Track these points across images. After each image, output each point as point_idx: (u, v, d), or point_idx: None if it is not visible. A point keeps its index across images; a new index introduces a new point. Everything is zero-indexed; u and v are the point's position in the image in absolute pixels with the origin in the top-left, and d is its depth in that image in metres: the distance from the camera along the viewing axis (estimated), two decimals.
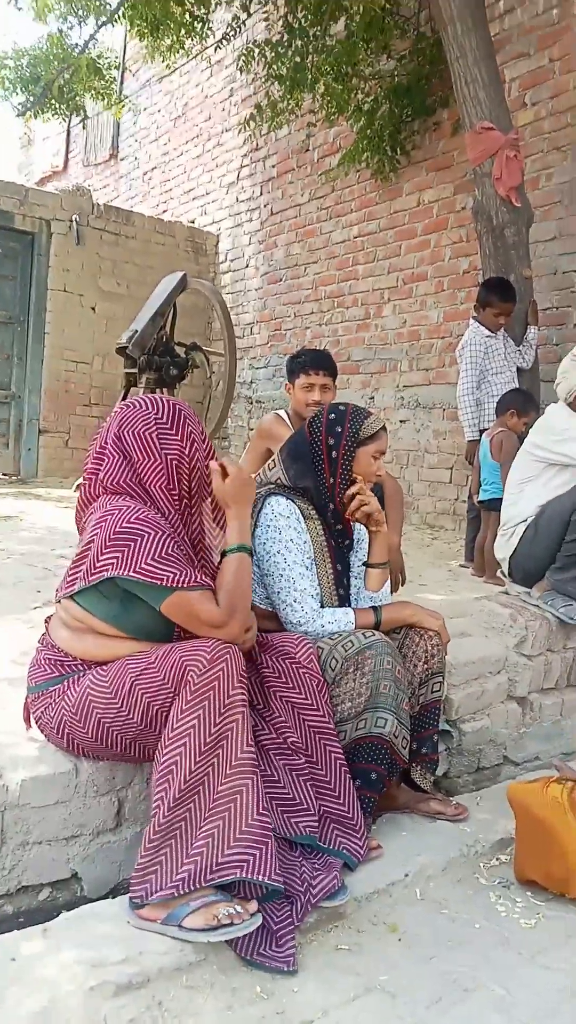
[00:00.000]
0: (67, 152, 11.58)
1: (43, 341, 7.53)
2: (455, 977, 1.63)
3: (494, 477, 3.93)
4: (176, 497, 1.85)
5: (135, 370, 5.92)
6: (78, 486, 6.88)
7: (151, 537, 1.72)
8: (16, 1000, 1.39)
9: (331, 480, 2.20)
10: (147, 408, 1.88)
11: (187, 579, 1.72)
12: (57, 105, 7.79)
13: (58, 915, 1.63)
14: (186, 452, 1.86)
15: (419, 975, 1.63)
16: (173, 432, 1.86)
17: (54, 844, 1.83)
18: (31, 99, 7.84)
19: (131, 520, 1.74)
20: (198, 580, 1.74)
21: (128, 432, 1.86)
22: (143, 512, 1.77)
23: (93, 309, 7.76)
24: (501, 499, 3.79)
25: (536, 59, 5.09)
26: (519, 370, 4.42)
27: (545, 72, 5.04)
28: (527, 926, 1.83)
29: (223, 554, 1.87)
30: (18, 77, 7.84)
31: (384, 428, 2.27)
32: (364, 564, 2.30)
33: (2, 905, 1.77)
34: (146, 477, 1.84)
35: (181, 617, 1.76)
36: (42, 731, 1.87)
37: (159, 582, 1.70)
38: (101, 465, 1.87)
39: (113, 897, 1.77)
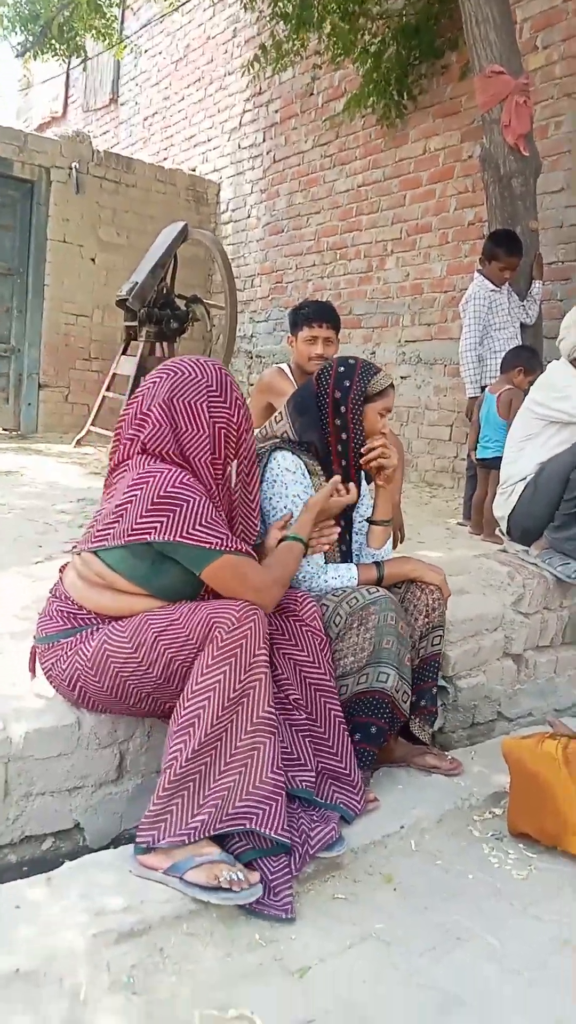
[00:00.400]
0: (66, 97, 11.26)
1: (42, 293, 7.41)
2: (448, 927, 1.67)
3: (496, 435, 3.90)
4: (219, 467, 1.84)
5: (135, 323, 5.85)
6: (78, 441, 6.84)
7: (196, 502, 1.72)
8: (21, 946, 1.43)
9: (338, 435, 2.18)
10: (198, 375, 1.84)
11: (231, 544, 1.75)
12: (57, 45, 7.55)
13: (61, 864, 1.67)
14: (234, 420, 1.85)
15: (413, 924, 1.67)
16: (223, 400, 1.84)
17: (57, 795, 1.86)
18: (30, 39, 7.59)
19: (175, 484, 1.73)
20: (239, 546, 1.77)
21: (180, 400, 1.81)
22: (186, 476, 1.76)
23: (93, 260, 7.62)
24: (498, 457, 3.79)
25: None
26: (522, 326, 4.35)
27: (558, 13, 4.86)
28: (519, 878, 1.87)
29: (284, 538, 1.99)
30: (17, 15, 7.59)
31: (392, 386, 2.24)
32: (368, 521, 2.30)
33: (6, 854, 1.81)
34: (189, 448, 1.80)
35: (224, 578, 1.76)
36: (51, 683, 1.89)
37: (208, 546, 1.72)
38: (143, 430, 1.82)
39: (114, 847, 1.80)
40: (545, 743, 2.01)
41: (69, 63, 9.79)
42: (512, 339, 4.24)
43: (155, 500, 1.72)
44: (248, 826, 1.63)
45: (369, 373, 2.20)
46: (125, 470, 1.83)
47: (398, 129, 6.06)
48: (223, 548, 1.73)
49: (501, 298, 4.23)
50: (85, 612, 1.84)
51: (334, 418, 2.18)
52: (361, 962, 1.55)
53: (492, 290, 4.20)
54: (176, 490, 1.72)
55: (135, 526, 1.73)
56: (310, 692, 1.96)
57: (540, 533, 2.95)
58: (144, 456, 1.82)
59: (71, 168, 7.37)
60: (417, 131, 5.93)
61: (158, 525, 1.71)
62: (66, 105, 11.27)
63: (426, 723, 2.24)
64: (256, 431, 2.36)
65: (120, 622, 1.79)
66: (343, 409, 2.17)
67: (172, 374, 1.85)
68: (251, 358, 7.75)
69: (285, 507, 2.14)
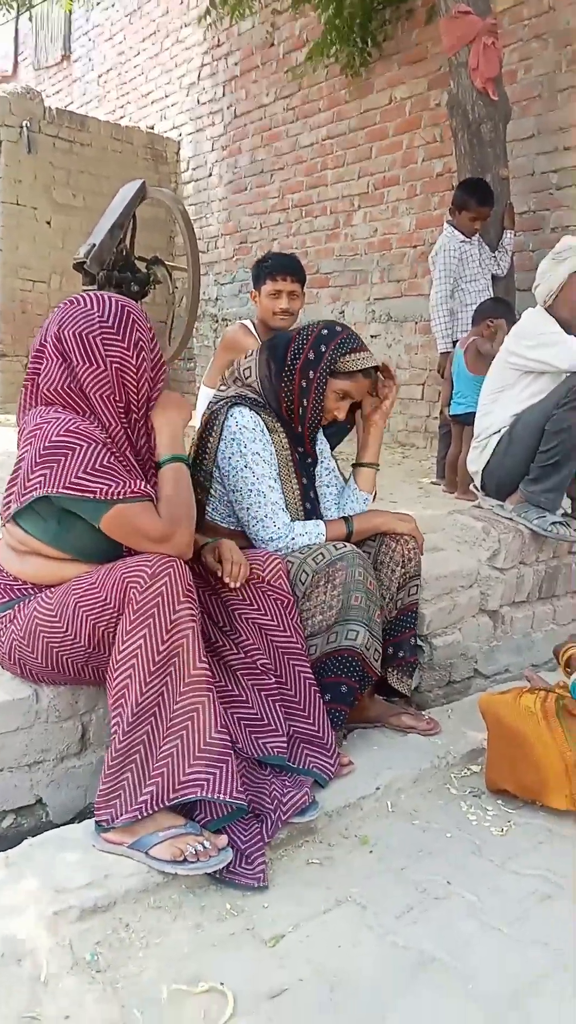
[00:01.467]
0: (16, 55, 10.82)
1: None
2: (426, 886, 1.62)
3: (468, 390, 3.82)
4: (122, 408, 1.72)
5: (95, 287, 5.65)
6: None
7: (83, 449, 1.60)
8: None
9: (300, 398, 2.08)
10: (90, 307, 1.71)
11: (123, 490, 1.60)
12: None
13: (22, 841, 1.59)
14: (132, 361, 1.71)
15: (390, 886, 1.62)
16: (119, 337, 1.70)
17: (16, 771, 1.79)
18: None
19: (61, 433, 1.61)
20: (138, 489, 1.63)
21: (68, 332, 1.69)
22: (74, 423, 1.64)
23: (48, 223, 7.36)
24: (471, 413, 3.71)
25: None
26: (494, 278, 4.25)
27: None
28: (498, 834, 1.83)
29: (157, 466, 1.76)
30: None
31: (364, 373, 2.11)
32: (354, 464, 2.27)
33: None
34: (87, 384, 1.68)
35: (122, 532, 1.65)
36: None
37: (92, 495, 1.59)
38: (38, 372, 1.72)
39: (80, 821, 1.72)
40: (523, 697, 1.96)
41: (17, 17, 9.38)
42: (484, 291, 4.14)
43: (42, 451, 1.61)
44: (199, 794, 1.56)
45: (346, 346, 2.08)
46: (26, 424, 1.72)
47: (362, 79, 5.87)
48: (110, 496, 1.59)
49: (472, 249, 4.12)
50: (20, 583, 1.75)
51: (300, 379, 2.07)
52: (336, 927, 1.49)
53: (463, 241, 4.10)
54: (62, 439, 1.60)
55: (27, 484, 1.63)
56: (278, 656, 1.90)
57: (515, 486, 2.88)
58: (40, 406, 1.70)
59: (22, 127, 7.08)
60: (382, 80, 5.75)
61: (42, 478, 1.60)
62: (16, 63, 10.84)
63: (405, 675, 2.20)
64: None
65: (49, 591, 1.70)
66: (311, 373, 2.06)
67: (64, 306, 1.74)
68: (216, 321, 7.58)
69: (245, 465, 2.04)
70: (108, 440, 1.67)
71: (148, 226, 7.15)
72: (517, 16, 4.76)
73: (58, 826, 1.73)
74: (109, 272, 5.50)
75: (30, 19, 9.53)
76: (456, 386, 3.93)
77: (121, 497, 1.60)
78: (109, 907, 1.45)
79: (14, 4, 7.60)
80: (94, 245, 5.47)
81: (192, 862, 1.50)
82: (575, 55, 4.46)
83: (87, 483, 1.59)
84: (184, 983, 1.34)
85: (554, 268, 2.78)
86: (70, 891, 1.45)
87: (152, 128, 8.21)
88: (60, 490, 1.59)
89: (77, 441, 1.61)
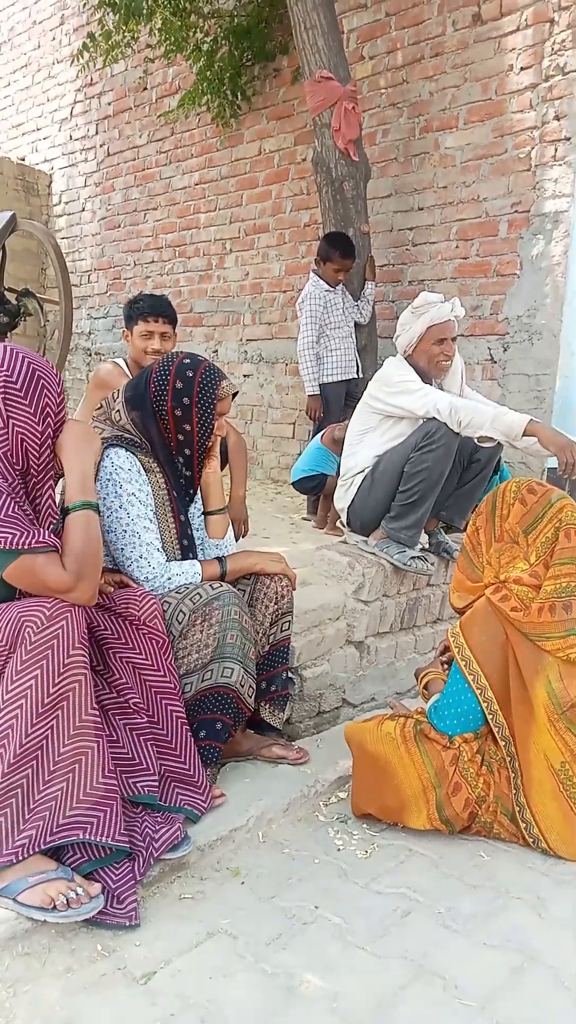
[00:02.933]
0: None
1: None
2: (295, 912, 1.69)
3: (315, 463, 4.04)
4: (18, 470, 1.69)
5: None
6: None
7: None
8: None
9: (179, 426, 2.12)
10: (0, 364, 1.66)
11: (29, 539, 1.59)
12: None
13: None
14: (36, 427, 1.67)
15: (261, 915, 1.67)
16: (25, 402, 1.65)
17: None
18: None
19: None
20: (42, 539, 1.61)
21: None
22: None
23: None
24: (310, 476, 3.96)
25: (373, 11, 5.09)
26: (356, 325, 4.50)
27: (382, 25, 5.06)
28: (363, 856, 1.92)
29: (64, 512, 1.73)
30: None
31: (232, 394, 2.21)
32: (204, 513, 2.28)
33: None
34: None
35: (26, 582, 1.64)
36: None
37: None
38: None
39: None
40: (384, 724, 2.07)
41: None
42: (347, 338, 4.37)
43: None
44: (82, 836, 1.56)
45: (214, 370, 2.17)
46: None
47: (233, 129, 6.08)
48: (16, 546, 1.58)
49: (336, 298, 4.35)
50: None
51: (174, 408, 2.13)
52: (208, 959, 1.53)
53: (327, 290, 4.31)
54: None
55: None
56: (150, 695, 1.91)
57: (378, 523, 3.05)
58: None
59: None
60: (252, 131, 5.98)
61: None
62: None
63: (277, 708, 2.27)
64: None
65: None
66: (186, 400, 2.12)
67: None
68: (90, 355, 7.51)
69: (120, 506, 2.07)
70: (10, 489, 1.65)
71: (19, 257, 7.05)
72: (375, 85, 5.11)
73: None
74: None
75: None
76: (307, 457, 4.10)
77: (26, 547, 1.58)
78: None
79: None
80: None
81: (62, 910, 1.49)
82: (427, 124, 4.83)
83: None
84: None
85: (413, 321, 3.00)
86: None
87: (23, 160, 8.10)
88: None
89: None
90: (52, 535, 1.66)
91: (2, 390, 1.64)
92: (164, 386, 2.13)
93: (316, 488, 4.05)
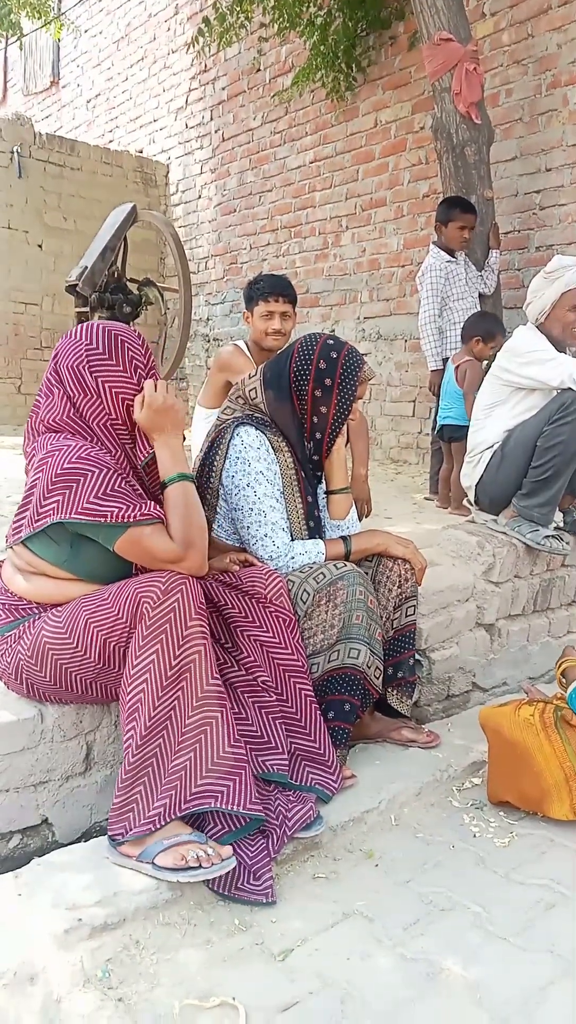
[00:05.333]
0: (5, 81, 10.94)
1: None
2: (432, 898, 1.64)
3: (454, 403, 3.88)
4: (123, 431, 1.76)
5: (87, 309, 5.69)
6: None
7: (95, 475, 1.64)
8: None
9: (315, 408, 2.11)
10: (79, 338, 1.76)
11: (135, 512, 1.63)
12: None
13: (29, 862, 1.60)
14: (131, 381, 1.75)
15: (396, 898, 1.64)
16: (112, 361, 1.74)
17: (22, 791, 1.79)
18: None
19: (72, 460, 1.65)
20: (149, 511, 1.66)
21: (64, 366, 1.75)
22: (85, 449, 1.68)
23: (40, 247, 7.43)
24: (458, 426, 3.76)
25: None
26: (481, 296, 4.32)
27: None
28: (501, 845, 1.85)
29: (163, 486, 1.77)
30: None
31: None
32: (325, 492, 2.25)
33: None
34: (87, 414, 1.74)
35: (136, 554, 1.69)
36: (0, 678, 1.81)
37: (103, 519, 1.62)
38: (39, 405, 1.77)
39: (85, 841, 1.73)
40: (522, 709, 1.98)
41: (6, 44, 9.50)
42: (471, 309, 4.20)
43: (54, 478, 1.64)
44: (214, 804, 1.58)
45: (356, 354, 2.15)
46: (35, 451, 1.76)
47: (348, 103, 5.97)
48: (122, 519, 1.62)
49: (458, 268, 4.19)
50: (26, 603, 1.78)
51: (314, 388, 2.10)
52: (344, 940, 1.51)
53: (448, 261, 4.16)
54: (74, 465, 1.64)
55: (40, 510, 1.66)
56: (279, 673, 1.91)
57: (508, 501, 2.92)
58: (49, 434, 1.74)
59: (12, 152, 7.16)
60: (367, 103, 5.85)
61: (56, 504, 1.64)
62: (5, 88, 10.96)
63: (404, 694, 2.21)
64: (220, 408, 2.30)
65: (56, 609, 1.72)
66: (327, 381, 2.09)
67: (61, 340, 1.80)
68: (208, 341, 7.64)
69: (248, 484, 2.07)
70: (117, 465, 1.70)
71: (139, 248, 7.24)
72: (497, 42, 4.87)
73: (64, 845, 1.74)
74: (101, 294, 5.55)
75: (20, 48, 9.65)
76: (443, 400, 3.98)
77: (134, 520, 1.63)
78: (119, 924, 1.46)
79: (4, 34, 7.68)
80: (86, 268, 5.53)
81: (194, 868, 1.51)
82: (554, 80, 4.57)
83: (100, 507, 1.62)
84: (195, 999, 1.35)
85: (546, 287, 2.84)
86: (80, 909, 1.45)
87: (141, 152, 8.30)
88: (74, 515, 1.62)
89: (89, 467, 1.64)
90: (158, 507, 1.69)
91: (88, 360, 1.73)
92: (307, 365, 2.11)
93: (458, 437, 3.84)
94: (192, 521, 1.72)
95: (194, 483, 1.80)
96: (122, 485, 1.65)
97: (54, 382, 1.76)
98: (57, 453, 1.67)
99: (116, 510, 1.62)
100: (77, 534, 1.68)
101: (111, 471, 1.66)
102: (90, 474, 1.63)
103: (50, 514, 1.64)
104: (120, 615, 1.62)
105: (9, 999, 1.31)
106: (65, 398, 1.74)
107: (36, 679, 1.74)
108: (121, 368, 1.75)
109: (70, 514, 1.62)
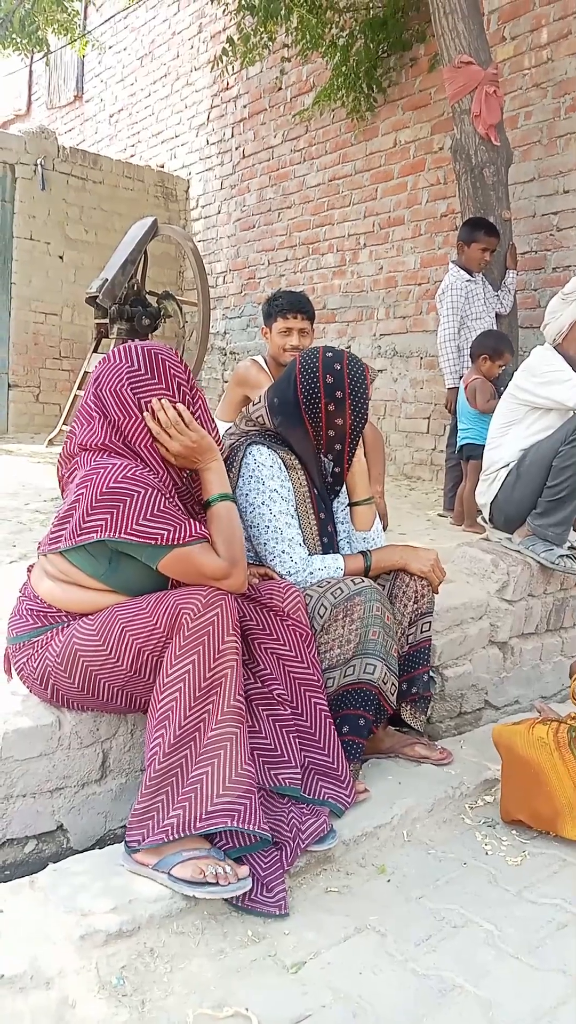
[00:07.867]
0: (30, 94, 11.11)
1: (10, 292, 7.30)
2: (444, 915, 1.65)
3: (469, 422, 3.90)
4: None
5: (106, 320, 5.77)
6: (50, 441, 6.76)
7: (141, 495, 1.66)
8: (5, 951, 1.38)
9: (330, 421, 2.12)
10: (119, 361, 1.78)
11: (184, 534, 1.67)
12: (18, 40, 7.43)
13: (44, 867, 1.62)
14: (174, 397, 1.77)
15: (408, 914, 1.64)
16: (155, 380, 1.77)
17: (39, 796, 1.81)
18: None
19: (119, 479, 1.67)
20: (193, 532, 1.69)
21: (104, 390, 1.77)
22: (131, 470, 1.70)
23: (61, 258, 7.52)
24: (477, 444, 3.77)
25: None
26: (497, 316, 4.35)
27: (525, 3, 4.87)
28: (513, 863, 1.85)
29: (206, 505, 1.81)
30: None
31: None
32: (349, 504, 2.26)
33: None
34: (130, 435, 1.76)
35: (181, 571, 1.71)
36: (24, 682, 1.84)
37: (153, 541, 1.65)
38: (78, 426, 1.79)
39: (100, 848, 1.75)
40: (535, 728, 1.99)
41: (32, 58, 9.66)
42: (488, 328, 4.23)
43: (99, 497, 1.66)
44: (230, 824, 1.59)
45: (360, 364, 2.16)
46: (75, 467, 1.78)
47: (368, 122, 6.04)
48: (171, 542, 1.66)
49: (477, 288, 4.22)
50: (55, 610, 1.80)
51: (327, 404, 2.12)
52: (356, 954, 1.51)
53: (468, 280, 4.20)
54: (120, 485, 1.66)
55: (83, 526, 1.68)
56: (295, 687, 1.92)
57: (523, 520, 2.93)
58: (91, 452, 1.76)
59: (36, 164, 7.27)
60: (387, 124, 5.92)
61: (103, 523, 1.66)
62: (30, 102, 11.12)
63: (419, 710, 2.22)
64: (231, 424, 2.32)
65: (88, 617, 1.74)
66: (339, 393, 2.11)
67: (99, 365, 1.82)
68: (225, 355, 7.70)
69: (263, 502, 2.09)
70: (160, 483, 1.73)
71: (159, 262, 7.33)
72: (517, 66, 4.93)
73: (78, 852, 1.76)
74: (121, 306, 5.63)
75: (47, 64, 9.81)
76: (460, 418, 4.00)
77: (180, 543, 1.66)
78: (134, 932, 1.47)
79: (31, 50, 7.83)
80: (106, 280, 5.60)
81: (212, 884, 1.53)
82: (573, 103, 4.61)
83: (147, 529, 1.65)
84: (209, 1008, 1.36)
85: (563, 308, 2.87)
86: (96, 915, 1.47)
87: (162, 166, 8.41)
88: (121, 535, 1.65)
89: (134, 487, 1.66)
90: (201, 526, 1.71)
91: (129, 382, 1.75)
92: (314, 384, 2.12)
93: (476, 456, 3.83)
94: (236, 540, 1.77)
95: (235, 502, 1.84)
96: (167, 505, 1.68)
97: (94, 408, 1.78)
98: (102, 471, 1.69)
99: (166, 532, 1.65)
100: (117, 551, 1.71)
101: (156, 491, 1.68)
102: (136, 494, 1.66)
103: (96, 532, 1.66)
104: (158, 625, 1.65)
105: (24, 1003, 1.32)
106: (106, 422, 1.76)
107: (63, 685, 1.76)
108: (164, 385, 1.77)
109: (119, 534, 1.65)
